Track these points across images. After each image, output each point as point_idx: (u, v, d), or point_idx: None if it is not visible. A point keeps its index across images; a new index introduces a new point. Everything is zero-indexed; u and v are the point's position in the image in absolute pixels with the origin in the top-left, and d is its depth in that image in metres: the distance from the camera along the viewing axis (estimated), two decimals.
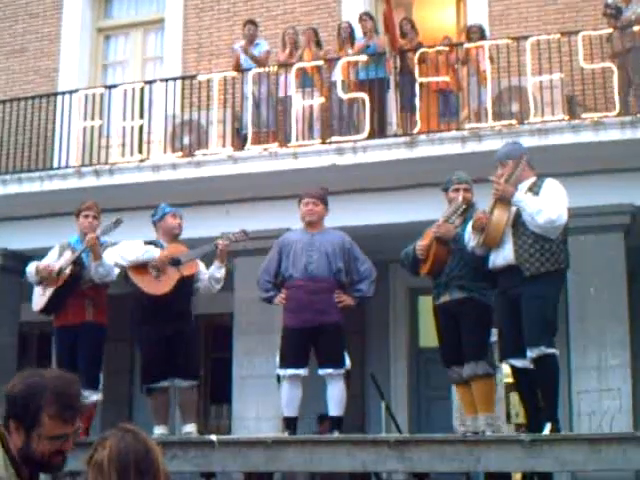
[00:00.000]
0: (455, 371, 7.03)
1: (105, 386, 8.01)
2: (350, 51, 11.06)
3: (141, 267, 7.64)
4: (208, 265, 7.90)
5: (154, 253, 7.63)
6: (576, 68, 10.05)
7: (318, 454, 6.94)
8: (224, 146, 10.75)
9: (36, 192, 11.12)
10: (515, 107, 10.00)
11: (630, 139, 9.30)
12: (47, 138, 11.84)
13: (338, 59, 10.84)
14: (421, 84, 10.21)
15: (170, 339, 7.50)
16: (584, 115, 9.75)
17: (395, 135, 10.13)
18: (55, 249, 8.10)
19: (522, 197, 6.52)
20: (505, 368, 7.25)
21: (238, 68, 11.17)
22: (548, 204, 6.46)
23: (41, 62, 13.42)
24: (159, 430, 7.61)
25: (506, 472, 6.87)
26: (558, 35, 10.21)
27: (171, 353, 7.51)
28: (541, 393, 6.64)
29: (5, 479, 2.71)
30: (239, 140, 10.91)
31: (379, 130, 10.31)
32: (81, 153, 11.32)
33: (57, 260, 7.90)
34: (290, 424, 7.45)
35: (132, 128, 11.23)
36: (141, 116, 11.27)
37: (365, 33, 11.13)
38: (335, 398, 7.38)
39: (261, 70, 10.96)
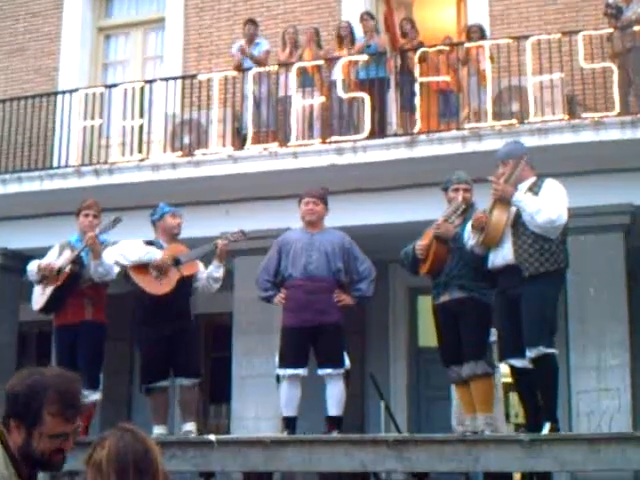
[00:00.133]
0: (454, 371, 7.02)
1: (104, 386, 8.01)
2: (350, 50, 11.06)
3: (142, 267, 7.64)
4: (207, 265, 7.90)
5: (155, 254, 7.62)
6: (576, 68, 10.04)
7: (317, 454, 6.95)
8: (224, 146, 10.74)
9: (36, 191, 11.12)
10: (515, 107, 9.99)
11: (630, 139, 9.29)
12: (47, 137, 11.84)
13: (338, 58, 10.84)
14: (421, 84, 10.20)
15: (170, 339, 7.50)
16: (584, 115, 9.74)
17: (395, 135, 10.12)
18: (55, 248, 8.10)
19: (522, 197, 6.52)
20: (504, 368, 7.25)
21: (238, 68, 11.17)
22: (548, 204, 6.46)
23: (41, 61, 13.42)
24: (158, 430, 7.61)
25: (506, 472, 6.87)
26: (558, 35, 10.21)
27: (172, 352, 7.52)
28: (540, 393, 6.64)
29: (6, 478, 2.71)
30: (239, 140, 10.91)
31: (379, 130, 10.30)
32: (81, 152, 11.32)
33: (57, 259, 7.90)
34: (289, 424, 7.45)
35: (132, 127, 11.23)
36: (141, 115, 11.27)
37: (366, 32, 11.13)
38: (334, 398, 7.38)
39: (261, 70, 10.96)
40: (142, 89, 11.31)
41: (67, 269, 7.77)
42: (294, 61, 11.00)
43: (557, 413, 6.67)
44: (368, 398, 11.36)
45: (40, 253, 8.38)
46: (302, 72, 10.79)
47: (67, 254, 7.84)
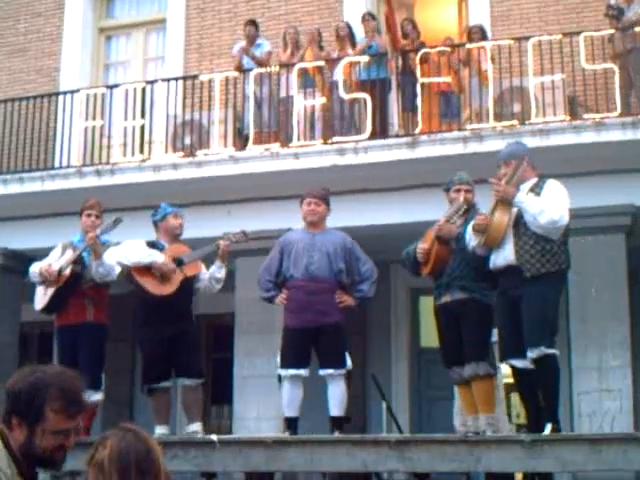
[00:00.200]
0: (456, 371, 7.02)
1: (106, 386, 8.01)
2: (351, 51, 11.06)
3: (145, 268, 7.62)
4: (208, 265, 7.90)
5: (157, 258, 7.61)
6: (578, 69, 10.04)
7: (319, 454, 6.95)
8: (225, 146, 10.75)
9: (37, 192, 11.12)
10: (517, 108, 9.99)
11: (631, 140, 9.29)
12: (48, 138, 11.84)
13: (340, 59, 10.85)
14: (423, 84, 10.20)
15: (172, 339, 7.50)
16: (585, 116, 9.75)
17: (397, 135, 10.12)
18: (57, 248, 8.11)
19: (524, 198, 6.52)
20: (505, 368, 7.25)
21: (240, 68, 11.18)
22: (550, 205, 6.46)
23: (43, 62, 13.43)
24: (160, 430, 7.61)
25: (507, 472, 6.86)
26: (560, 36, 10.21)
27: (174, 353, 7.51)
28: (542, 394, 6.64)
29: (8, 477, 2.71)
30: (240, 140, 10.91)
31: (380, 130, 10.30)
32: (82, 153, 11.32)
33: (59, 259, 7.91)
34: (291, 424, 7.45)
35: (133, 128, 11.24)
36: (142, 116, 11.27)
37: (367, 33, 11.13)
38: (336, 398, 7.38)
39: (262, 70, 10.97)
40: (143, 90, 11.32)
41: (68, 269, 7.78)
42: (295, 62, 11.01)
43: (558, 414, 6.66)
44: (370, 398, 11.36)
45: (42, 253, 8.39)
46: (303, 73, 10.78)
47: (69, 254, 7.85)
